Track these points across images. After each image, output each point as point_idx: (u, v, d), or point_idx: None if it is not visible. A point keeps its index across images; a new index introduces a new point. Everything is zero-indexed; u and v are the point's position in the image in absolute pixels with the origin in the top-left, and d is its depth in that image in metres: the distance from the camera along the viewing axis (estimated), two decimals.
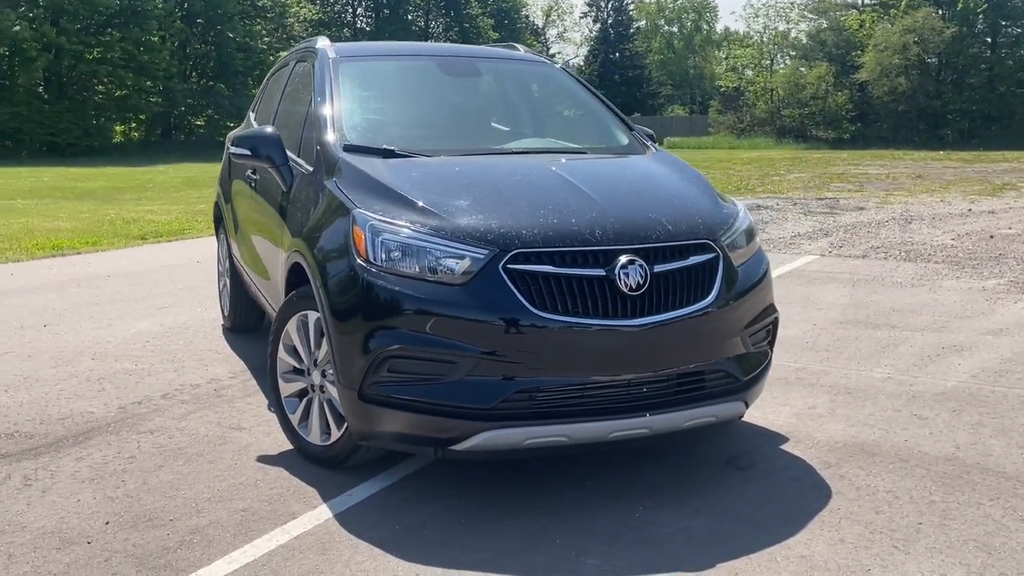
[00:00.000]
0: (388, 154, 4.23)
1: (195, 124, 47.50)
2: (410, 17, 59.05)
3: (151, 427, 4.61)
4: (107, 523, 3.54)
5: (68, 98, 39.45)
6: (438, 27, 60.30)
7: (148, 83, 42.12)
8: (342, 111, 4.52)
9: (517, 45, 5.75)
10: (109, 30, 40.86)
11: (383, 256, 3.57)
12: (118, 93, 41.84)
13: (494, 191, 3.89)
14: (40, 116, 37.71)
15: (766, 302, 4.06)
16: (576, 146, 4.74)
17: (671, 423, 3.69)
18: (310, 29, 51.99)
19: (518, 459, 4.04)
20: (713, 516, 3.62)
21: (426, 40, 56.65)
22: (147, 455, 4.24)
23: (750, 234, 4.13)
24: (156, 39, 41.55)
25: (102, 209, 15.49)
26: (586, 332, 3.47)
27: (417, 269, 3.54)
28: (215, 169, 8.12)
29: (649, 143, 4.83)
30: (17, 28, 37.22)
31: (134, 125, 46.05)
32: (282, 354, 4.21)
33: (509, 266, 3.47)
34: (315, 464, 4.08)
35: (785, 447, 4.39)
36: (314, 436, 4.07)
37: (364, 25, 56.84)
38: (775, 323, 4.15)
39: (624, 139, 4.89)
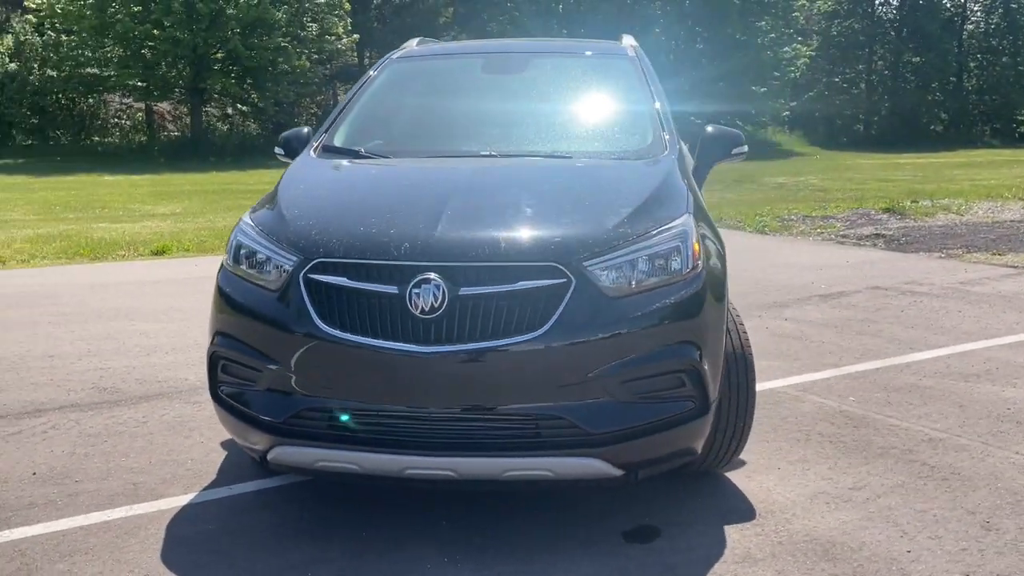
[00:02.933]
0: (355, 156, 4.21)
1: None
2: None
3: (198, 399, 5.09)
4: (34, 474, 4.07)
5: None
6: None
7: None
8: (348, 111, 4.55)
9: (626, 36, 5.21)
10: None
11: (232, 256, 3.60)
12: None
13: (362, 198, 3.72)
14: None
15: (665, 343, 3.26)
16: (566, 150, 4.15)
17: (484, 469, 3.19)
18: (822, 22, 50.20)
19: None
20: None
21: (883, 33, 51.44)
22: (155, 423, 4.72)
23: (672, 260, 3.33)
24: None
25: None
26: (372, 354, 3.15)
27: (250, 272, 3.50)
28: None
29: (668, 146, 4.09)
30: None
31: None
32: None
33: (309, 276, 3.28)
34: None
35: (729, 527, 3.49)
36: None
37: (883, 13, 53.06)
38: (693, 372, 3.29)
39: (647, 141, 4.21)
